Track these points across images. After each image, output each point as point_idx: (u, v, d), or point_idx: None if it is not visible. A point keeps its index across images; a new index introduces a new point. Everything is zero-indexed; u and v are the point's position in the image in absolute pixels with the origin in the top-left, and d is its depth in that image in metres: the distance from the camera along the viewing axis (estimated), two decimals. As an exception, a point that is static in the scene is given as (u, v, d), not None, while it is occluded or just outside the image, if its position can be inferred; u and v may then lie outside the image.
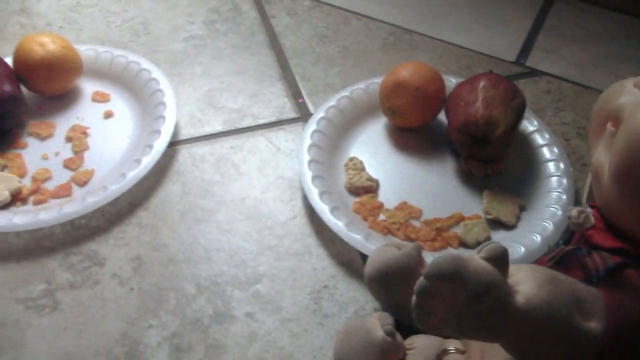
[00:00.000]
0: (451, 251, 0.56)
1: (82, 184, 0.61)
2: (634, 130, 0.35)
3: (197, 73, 0.75)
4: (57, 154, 0.64)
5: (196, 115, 0.69)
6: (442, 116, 0.66)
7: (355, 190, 0.61)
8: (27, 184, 0.60)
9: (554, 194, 0.59)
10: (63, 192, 0.60)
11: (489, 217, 0.58)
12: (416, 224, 0.59)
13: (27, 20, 0.82)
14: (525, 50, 0.80)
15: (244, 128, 0.68)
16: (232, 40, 0.80)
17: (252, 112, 0.70)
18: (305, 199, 0.60)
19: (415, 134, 0.67)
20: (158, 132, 0.63)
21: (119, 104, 0.69)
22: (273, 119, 0.69)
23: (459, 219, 0.59)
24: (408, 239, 0.57)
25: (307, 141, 0.63)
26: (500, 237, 0.57)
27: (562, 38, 0.81)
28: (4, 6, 0.83)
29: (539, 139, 0.65)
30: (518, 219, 0.58)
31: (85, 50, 0.72)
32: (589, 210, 0.39)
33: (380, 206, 0.60)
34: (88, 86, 0.71)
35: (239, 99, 0.71)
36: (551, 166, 0.62)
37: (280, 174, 0.63)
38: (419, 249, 0.48)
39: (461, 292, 0.30)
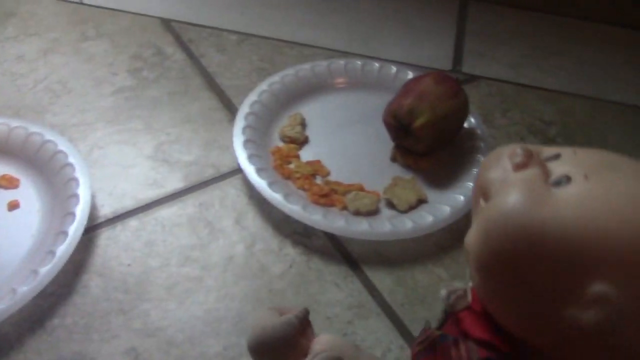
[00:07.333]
0: (333, 211, 0.59)
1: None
2: (492, 219, 0.29)
3: (139, 128, 0.68)
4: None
5: (151, 175, 0.63)
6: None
7: (283, 138, 0.66)
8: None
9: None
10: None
11: (385, 196, 0.60)
12: (319, 181, 0.62)
13: None
14: (458, 57, 0.82)
15: (209, 180, 0.63)
16: (165, 86, 0.74)
17: (212, 162, 0.65)
18: (297, 243, 0.57)
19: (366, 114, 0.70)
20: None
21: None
22: (235, 165, 0.64)
23: (358, 189, 0.61)
24: (302, 189, 0.61)
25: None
26: (387, 214, 0.59)
27: (487, 40, 0.84)
28: None
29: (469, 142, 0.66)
30: (411, 208, 0.60)
31: (-5, 125, 0.62)
32: (467, 289, 0.35)
33: (296, 156, 0.64)
34: (-3, 167, 0.61)
35: (193, 149, 0.66)
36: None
37: (260, 223, 0.59)
38: (303, 315, 0.40)
39: None
